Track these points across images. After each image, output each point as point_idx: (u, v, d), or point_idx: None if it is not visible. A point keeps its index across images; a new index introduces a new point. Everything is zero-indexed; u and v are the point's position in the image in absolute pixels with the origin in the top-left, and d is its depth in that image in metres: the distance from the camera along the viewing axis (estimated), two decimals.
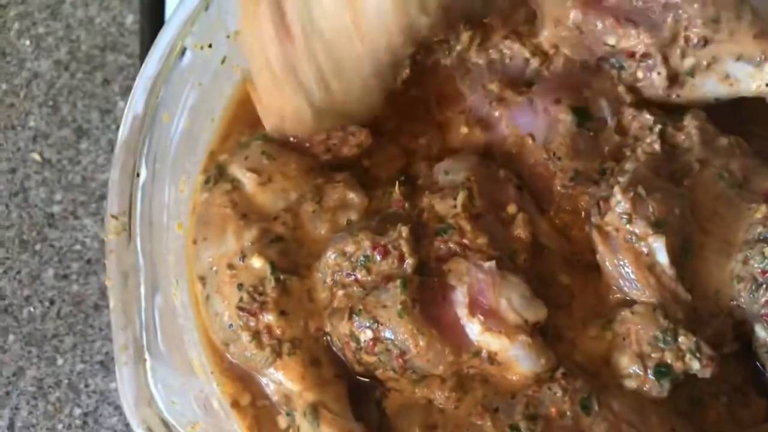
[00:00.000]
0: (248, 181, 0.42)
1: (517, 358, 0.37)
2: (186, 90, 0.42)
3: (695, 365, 0.37)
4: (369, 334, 0.37)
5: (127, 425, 0.55)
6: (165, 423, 0.32)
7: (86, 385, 0.57)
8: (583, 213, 0.42)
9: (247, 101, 0.47)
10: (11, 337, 0.58)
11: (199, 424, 0.34)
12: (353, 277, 0.39)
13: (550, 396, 0.37)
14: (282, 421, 0.38)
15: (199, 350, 0.39)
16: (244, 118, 0.46)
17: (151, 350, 0.35)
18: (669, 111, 0.44)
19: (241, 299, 0.39)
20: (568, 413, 0.36)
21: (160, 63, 0.40)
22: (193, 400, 0.36)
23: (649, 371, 0.38)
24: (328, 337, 0.39)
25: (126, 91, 0.64)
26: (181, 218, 0.42)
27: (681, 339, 0.38)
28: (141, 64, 0.61)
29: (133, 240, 0.36)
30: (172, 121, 0.41)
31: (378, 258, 0.38)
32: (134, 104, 0.38)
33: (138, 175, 0.38)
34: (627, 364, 0.38)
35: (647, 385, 0.38)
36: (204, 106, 0.44)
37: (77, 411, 0.56)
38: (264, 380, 0.39)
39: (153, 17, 0.64)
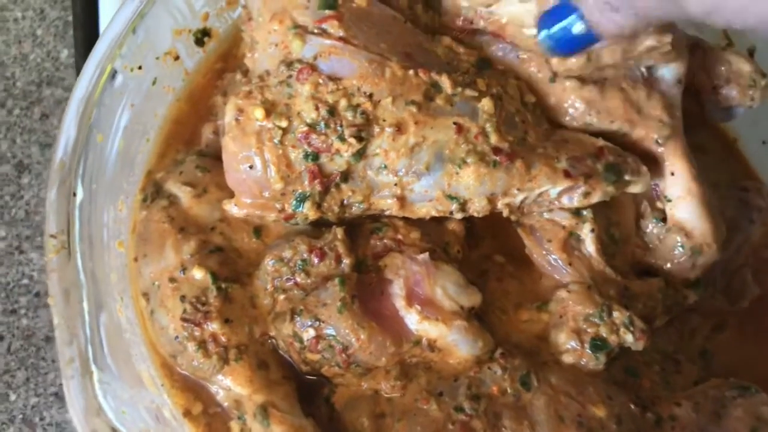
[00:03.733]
0: (184, 194, 0.43)
1: (456, 343, 0.38)
2: (119, 111, 0.43)
3: (629, 338, 0.39)
4: (312, 332, 0.38)
5: None
6: (114, 430, 0.33)
7: (41, 418, 0.56)
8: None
9: (181, 120, 0.48)
10: None
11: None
12: (293, 281, 0.40)
13: (491, 375, 0.38)
14: (235, 427, 0.39)
15: (148, 363, 0.39)
16: (178, 136, 0.47)
17: (98, 363, 0.35)
18: None
19: (184, 311, 0.40)
20: (509, 390, 0.38)
21: (91, 85, 0.40)
22: (144, 410, 0.36)
23: (585, 345, 0.39)
24: (274, 341, 0.40)
25: None
26: (121, 237, 0.42)
27: (615, 314, 0.39)
28: None
29: (73, 257, 0.37)
30: (106, 142, 0.42)
31: (316, 261, 0.40)
32: (67, 126, 0.39)
33: (74, 194, 0.38)
34: (564, 340, 0.40)
35: (584, 359, 0.39)
36: (138, 126, 0.44)
37: None
38: (214, 388, 0.40)
39: (87, 51, 0.64)
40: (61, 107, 0.65)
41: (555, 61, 0.39)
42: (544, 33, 0.37)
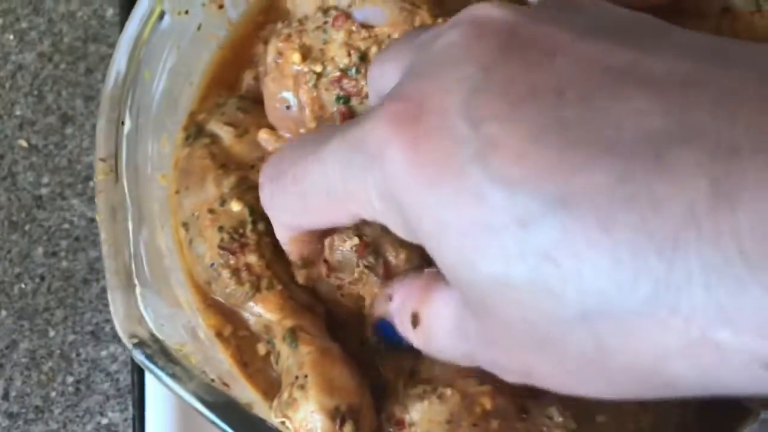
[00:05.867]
0: (225, 134, 0.45)
1: None
2: (165, 51, 0.45)
3: None
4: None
5: (119, 390, 0.57)
6: (155, 338, 0.35)
7: (77, 354, 0.59)
8: None
9: (223, 67, 0.50)
10: (3, 313, 0.60)
11: (187, 346, 0.36)
12: None
13: None
14: (261, 348, 0.41)
15: (185, 289, 0.41)
16: (220, 82, 0.49)
17: (140, 279, 0.37)
18: None
19: (221, 240, 0.42)
20: None
21: (140, 24, 0.43)
22: (181, 327, 0.38)
23: None
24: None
25: None
26: (164, 170, 0.45)
27: None
28: None
29: (120, 181, 0.39)
30: (153, 80, 0.44)
31: None
32: (117, 61, 0.41)
33: (123, 123, 0.40)
34: None
35: None
36: (182, 68, 0.46)
37: (70, 379, 0.59)
38: (245, 314, 0.42)
39: (131, 9, 0.67)
40: (104, 63, 0.67)
41: None
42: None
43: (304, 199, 0.33)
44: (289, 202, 0.35)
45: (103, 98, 0.40)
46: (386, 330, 0.37)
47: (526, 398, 0.39)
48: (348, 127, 0.29)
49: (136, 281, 0.37)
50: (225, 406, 0.34)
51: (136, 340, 0.35)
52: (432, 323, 0.31)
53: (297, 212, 0.35)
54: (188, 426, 0.53)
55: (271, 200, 0.36)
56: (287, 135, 0.42)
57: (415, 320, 0.33)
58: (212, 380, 0.35)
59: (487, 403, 0.38)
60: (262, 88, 0.42)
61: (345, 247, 0.39)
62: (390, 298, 0.35)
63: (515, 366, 0.28)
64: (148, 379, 0.54)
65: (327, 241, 0.40)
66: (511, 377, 0.30)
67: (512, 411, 0.38)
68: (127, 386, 0.58)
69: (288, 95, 0.41)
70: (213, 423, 0.34)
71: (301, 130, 0.41)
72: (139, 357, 0.35)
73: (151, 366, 0.35)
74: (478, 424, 0.38)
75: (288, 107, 0.41)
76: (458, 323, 0.30)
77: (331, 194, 0.31)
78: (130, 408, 0.57)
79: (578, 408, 0.38)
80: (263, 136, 0.43)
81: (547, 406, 0.38)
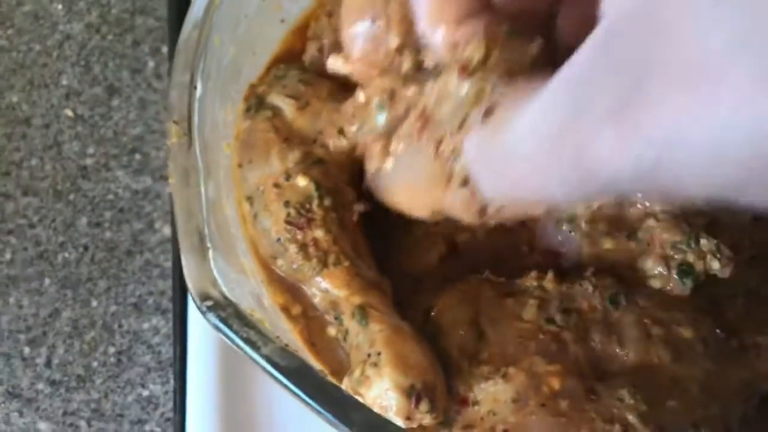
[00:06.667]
0: (287, 106, 0.45)
1: None
2: (233, 18, 0.44)
3: (715, 265, 0.40)
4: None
5: (160, 362, 0.57)
6: (229, 301, 0.34)
7: (120, 326, 0.59)
8: None
9: (286, 40, 0.49)
10: (47, 281, 0.60)
11: (256, 312, 0.36)
12: None
13: (582, 292, 0.39)
14: (332, 331, 0.40)
15: (249, 260, 0.41)
16: (284, 54, 0.48)
17: (213, 243, 0.37)
18: None
19: (288, 214, 0.41)
20: (598, 307, 0.39)
21: None
22: (249, 294, 0.38)
23: (672, 271, 0.40)
24: None
25: (155, 52, 0.66)
26: (228, 140, 0.44)
27: (703, 242, 0.40)
28: (169, 27, 0.64)
29: (193, 144, 0.39)
30: (222, 46, 0.43)
31: None
32: (191, 22, 0.41)
33: (195, 88, 0.40)
34: (652, 266, 0.41)
35: (671, 284, 0.40)
36: (248, 38, 0.46)
37: (111, 350, 0.58)
38: (311, 290, 0.41)
39: None
40: (151, 36, 0.67)
41: None
42: None
43: None
44: None
45: (178, 48, 0.39)
46: None
47: (595, 380, 0.38)
48: None
49: (209, 244, 0.36)
50: (299, 371, 0.33)
51: (210, 303, 0.35)
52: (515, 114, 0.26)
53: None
54: (229, 400, 0.52)
55: None
56: (358, 56, 0.39)
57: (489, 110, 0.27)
58: (286, 345, 0.34)
59: (556, 383, 0.38)
60: (342, 3, 0.40)
61: None
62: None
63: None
64: (191, 352, 0.54)
65: None
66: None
67: (581, 392, 0.38)
68: (168, 359, 0.57)
69: (375, 10, 0.37)
70: (287, 389, 0.33)
71: (380, 49, 0.39)
72: (213, 320, 0.34)
73: (225, 329, 0.34)
74: (546, 404, 0.37)
75: (373, 21, 0.39)
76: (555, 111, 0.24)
77: None
78: (171, 381, 0.56)
79: (649, 392, 0.37)
80: (333, 61, 0.40)
81: (618, 388, 0.37)
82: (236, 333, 0.34)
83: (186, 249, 0.36)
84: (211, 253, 0.37)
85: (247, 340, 0.34)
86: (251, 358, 0.34)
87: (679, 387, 0.38)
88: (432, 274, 0.44)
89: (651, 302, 0.40)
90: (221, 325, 0.35)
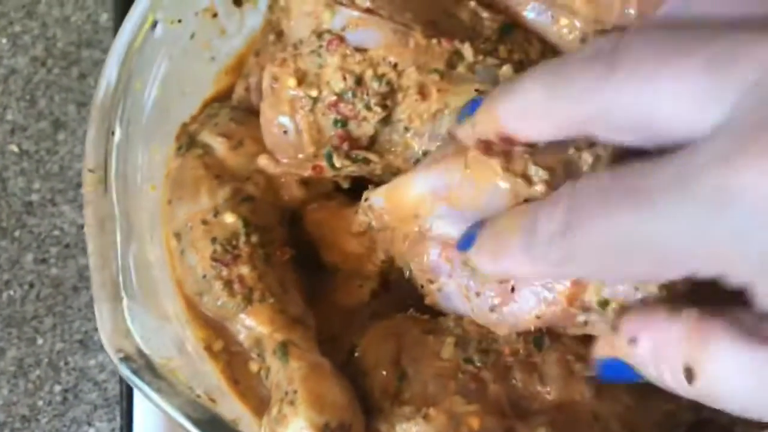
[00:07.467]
0: (219, 145, 0.45)
1: None
2: (158, 61, 0.44)
3: None
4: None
5: (107, 399, 0.57)
6: (141, 352, 0.34)
7: (66, 363, 0.58)
8: None
9: (219, 80, 0.49)
10: None
11: (174, 360, 0.36)
12: None
13: (504, 337, 0.39)
14: (254, 366, 0.40)
15: (174, 301, 0.41)
16: (217, 96, 0.48)
17: (128, 292, 0.37)
18: None
19: (214, 251, 0.41)
20: (521, 351, 0.39)
21: (132, 33, 0.42)
22: (169, 341, 0.38)
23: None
24: None
25: None
26: (154, 181, 0.44)
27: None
28: None
29: (109, 191, 0.39)
30: (144, 89, 0.43)
31: None
32: (108, 71, 0.41)
33: (113, 134, 0.40)
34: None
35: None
36: (174, 78, 0.46)
37: (57, 388, 0.58)
38: (236, 327, 0.41)
39: (125, 15, 0.66)
40: (98, 68, 0.67)
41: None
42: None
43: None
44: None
45: (93, 108, 0.40)
46: (618, 370, 0.33)
47: (516, 419, 0.38)
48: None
49: (123, 294, 0.36)
50: (210, 423, 0.33)
51: (122, 354, 0.35)
52: (719, 381, 0.27)
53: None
54: None
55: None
56: (285, 160, 0.42)
57: (690, 375, 0.28)
58: (198, 396, 0.34)
59: (475, 424, 0.38)
60: (260, 113, 0.42)
61: None
62: (633, 341, 0.31)
63: None
64: (137, 389, 0.54)
65: None
66: None
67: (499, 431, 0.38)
68: (115, 396, 0.57)
69: (285, 120, 0.41)
70: None
71: (300, 156, 0.41)
72: (125, 371, 0.34)
73: (137, 381, 0.34)
74: None
75: (285, 132, 0.41)
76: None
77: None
78: (118, 418, 0.56)
79: (570, 429, 0.37)
80: (263, 161, 0.43)
81: (538, 427, 0.37)
82: (148, 384, 0.34)
83: (99, 299, 0.36)
84: (125, 302, 0.37)
85: (159, 391, 0.34)
86: (162, 408, 0.33)
87: (600, 424, 0.38)
88: (363, 311, 0.45)
89: (575, 339, 0.40)
90: (132, 377, 0.35)
